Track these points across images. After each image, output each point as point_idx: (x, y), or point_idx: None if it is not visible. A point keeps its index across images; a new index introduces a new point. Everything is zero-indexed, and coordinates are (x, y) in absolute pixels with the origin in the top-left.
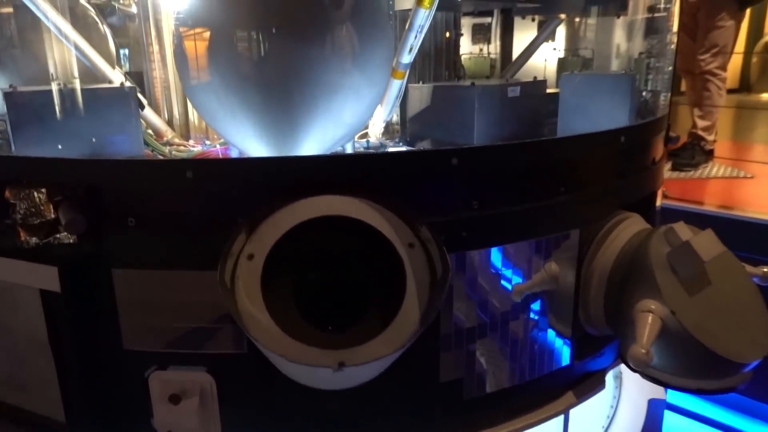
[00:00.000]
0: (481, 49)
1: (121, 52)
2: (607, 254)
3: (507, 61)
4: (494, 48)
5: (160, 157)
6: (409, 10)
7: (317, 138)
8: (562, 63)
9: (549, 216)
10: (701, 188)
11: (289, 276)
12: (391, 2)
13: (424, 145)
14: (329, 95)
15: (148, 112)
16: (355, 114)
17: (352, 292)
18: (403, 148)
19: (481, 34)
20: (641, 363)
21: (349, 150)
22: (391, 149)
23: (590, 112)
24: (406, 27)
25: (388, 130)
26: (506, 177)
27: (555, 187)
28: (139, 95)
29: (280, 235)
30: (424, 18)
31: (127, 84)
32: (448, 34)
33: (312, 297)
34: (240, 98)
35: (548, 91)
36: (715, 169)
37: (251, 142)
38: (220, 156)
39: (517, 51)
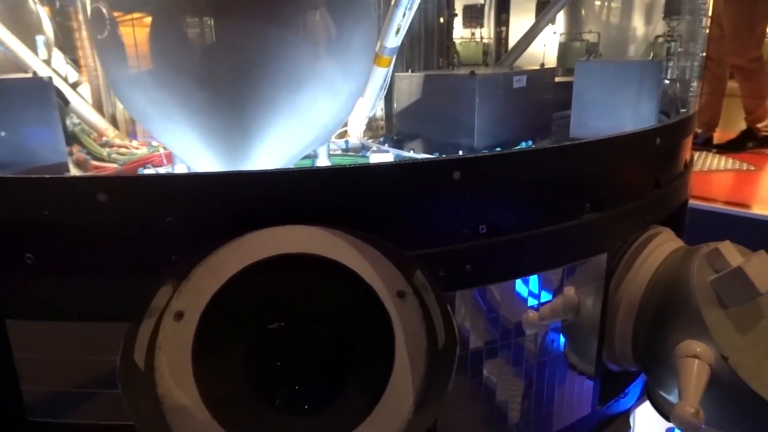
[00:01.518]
0: (473, 34)
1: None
2: (637, 279)
3: (501, 47)
4: (487, 32)
5: (93, 163)
6: None
7: (278, 145)
8: (564, 49)
9: (572, 240)
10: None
11: (234, 342)
12: None
13: (415, 145)
14: (293, 90)
15: (84, 107)
16: (329, 113)
17: (324, 362)
18: (388, 151)
19: (473, 16)
20: (691, 425)
21: (322, 155)
22: (374, 153)
23: (609, 106)
24: (392, 3)
25: (371, 126)
26: (521, 193)
27: (579, 204)
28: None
29: (223, 283)
30: None
31: (44, 73)
32: (441, 18)
33: (267, 371)
34: (176, 95)
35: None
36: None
37: (193, 150)
38: (164, 163)
39: (513, 35)
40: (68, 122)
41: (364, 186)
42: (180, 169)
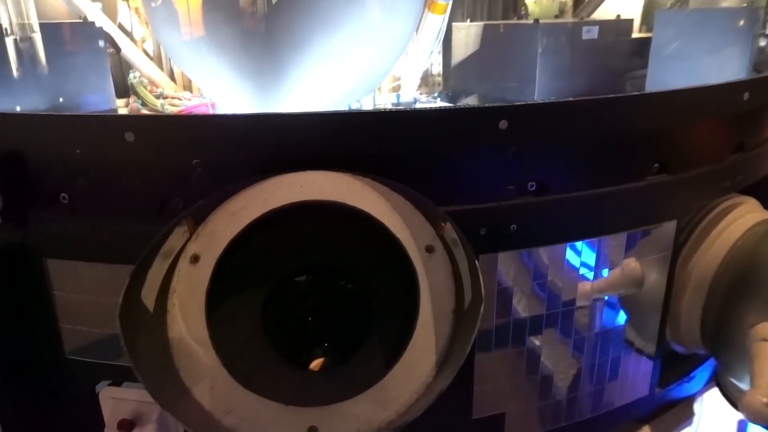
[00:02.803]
0: None
1: None
2: (710, 253)
3: (579, 4)
4: None
5: (144, 112)
6: None
7: (313, 90)
8: (649, 2)
9: (635, 204)
10: None
11: (251, 291)
12: None
13: (470, 101)
14: (329, 30)
15: (140, 58)
16: (369, 58)
17: (344, 317)
18: (438, 104)
19: None
20: (762, 416)
21: (366, 107)
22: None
23: (693, 60)
24: None
25: (427, 82)
26: (577, 149)
27: (647, 164)
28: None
29: (241, 229)
30: None
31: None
32: None
33: (284, 323)
34: (207, 30)
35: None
36: None
37: (224, 91)
38: (210, 112)
39: None
40: (130, 75)
41: (398, 132)
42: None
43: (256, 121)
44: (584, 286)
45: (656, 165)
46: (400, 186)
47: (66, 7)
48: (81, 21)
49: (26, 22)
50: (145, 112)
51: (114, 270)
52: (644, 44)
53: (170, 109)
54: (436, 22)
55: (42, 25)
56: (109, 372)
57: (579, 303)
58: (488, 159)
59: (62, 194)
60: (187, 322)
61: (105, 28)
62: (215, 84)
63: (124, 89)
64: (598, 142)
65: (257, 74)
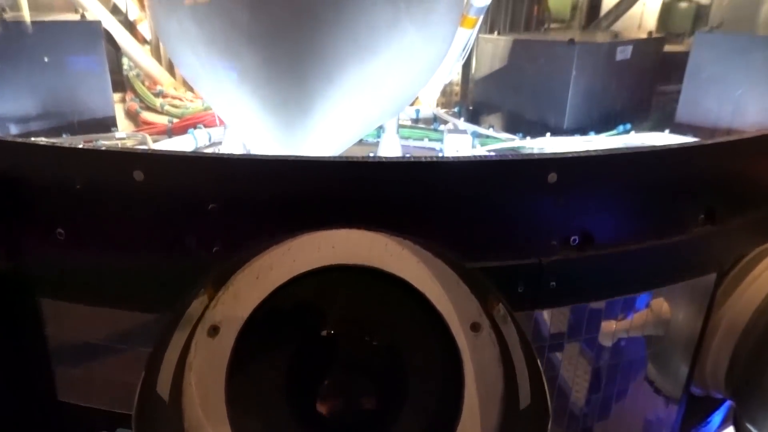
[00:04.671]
0: None
1: None
2: (745, 298)
3: (595, 1)
4: None
5: (143, 117)
6: None
7: (343, 121)
8: (667, 10)
9: (678, 257)
10: None
11: (276, 366)
12: None
13: (493, 121)
14: (365, 58)
15: (138, 52)
16: (403, 85)
17: (379, 398)
18: (465, 131)
19: None
20: None
21: (390, 129)
22: (449, 133)
23: (731, 86)
24: None
25: (445, 91)
26: (623, 200)
27: (693, 214)
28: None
29: (267, 294)
30: None
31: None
32: None
33: (311, 402)
34: (226, 55)
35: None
36: None
37: (246, 121)
38: (217, 123)
39: None
40: (125, 65)
41: (439, 183)
42: (231, 133)
43: (281, 165)
44: (608, 325)
45: (702, 216)
46: (443, 252)
47: None
48: (79, 19)
49: None
50: (144, 115)
51: (111, 312)
52: (677, 60)
53: (170, 110)
54: (463, 36)
55: (39, 23)
56: (104, 418)
57: (602, 342)
58: (533, 213)
59: (58, 229)
60: (205, 407)
61: (99, 16)
62: (234, 114)
63: (120, 82)
64: (646, 194)
65: (282, 106)
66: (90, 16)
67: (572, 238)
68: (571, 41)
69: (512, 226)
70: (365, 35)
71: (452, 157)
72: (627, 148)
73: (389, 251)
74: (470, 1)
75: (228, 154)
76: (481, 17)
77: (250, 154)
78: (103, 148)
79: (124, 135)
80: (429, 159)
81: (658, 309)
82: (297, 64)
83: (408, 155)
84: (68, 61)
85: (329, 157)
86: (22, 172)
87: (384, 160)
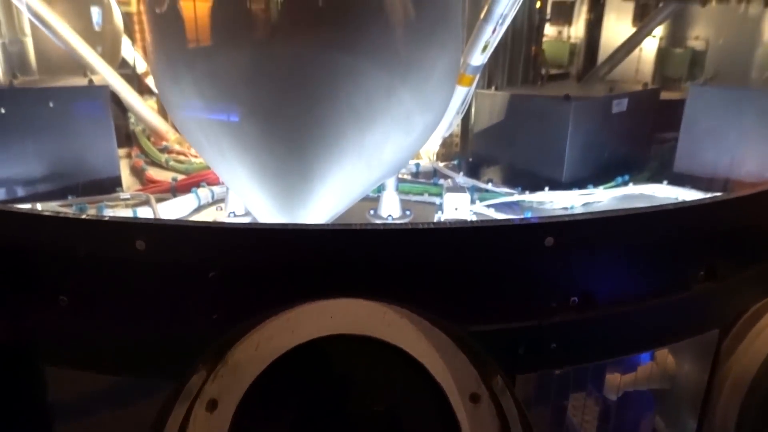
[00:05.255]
0: (560, 32)
1: None
2: (750, 353)
3: (592, 47)
4: (576, 30)
5: (149, 175)
6: None
7: (341, 187)
8: (663, 55)
9: (679, 315)
10: None
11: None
12: None
13: (492, 174)
14: (362, 127)
15: (145, 109)
16: (401, 150)
17: None
18: (465, 189)
19: (561, 13)
20: None
21: (390, 187)
22: (448, 192)
23: (727, 139)
24: (482, 18)
25: (445, 142)
26: (622, 261)
27: (693, 272)
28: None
29: (266, 366)
30: (508, 4)
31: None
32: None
33: None
34: (227, 127)
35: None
36: None
37: (246, 188)
38: (221, 181)
39: (606, 38)
40: (131, 120)
41: (436, 250)
42: (234, 196)
43: (279, 234)
44: (613, 378)
45: (702, 273)
46: (442, 322)
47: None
48: (87, 84)
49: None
50: (149, 172)
51: (114, 379)
52: (674, 107)
53: (175, 166)
54: (461, 93)
55: (46, 90)
56: None
57: (607, 396)
58: (531, 276)
59: (61, 296)
60: None
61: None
62: (235, 180)
63: (126, 137)
64: (644, 254)
65: (282, 174)
66: (97, 79)
67: (572, 299)
68: (567, 97)
69: (511, 289)
70: (363, 104)
71: (449, 223)
72: (622, 211)
73: (387, 320)
74: (467, 61)
75: (227, 224)
76: (478, 76)
77: (249, 223)
78: (106, 218)
79: (128, 196)
80: (426, 226)
81: (663, 362)
82: (296, 134)
83: (408, 212)
84: (75, 124)
85: (326, 225)
86: (26, 241)
87: (381, 227)
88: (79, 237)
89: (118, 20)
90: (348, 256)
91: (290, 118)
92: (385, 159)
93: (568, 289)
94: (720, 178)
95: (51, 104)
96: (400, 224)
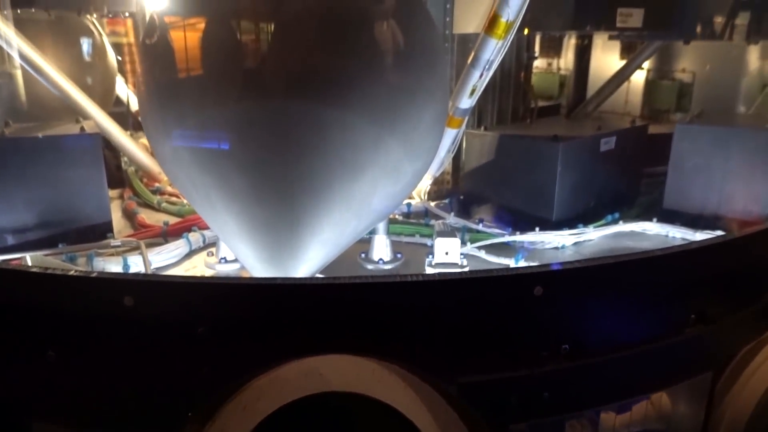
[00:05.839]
0: (549, 64)
1: None
2: (744, 395)
3: (581, 79)
4: (565, 62)
5: (140, 219)
6: (474, 35)
7: (329, 237)
8: (650, 87)
9: (672, 359)
10: None
11: None
12: (447, 30)
13: (483, 213)
14: (351, 177)
15: (136, 150)
16: (389, 198)
17: None
18: (455, 234)
19: (551, 46)
20: None
21: (380, 231)
22: (438, 237)
23: (714, 177)
24: (469, 62)
25: (435, 180)
26: (612, 308)
27: (683, 316)
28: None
29: (255, 425)
30: (495, 51)
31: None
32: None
33: None
34: (216, 178)
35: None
36: None
37: (235, 239)
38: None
39: (594, 69)
40: (124, 161)
41: (425, 302)
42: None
43: (267, 289)
44: (608, 418)
45: (693, 316)
46: (431, 378)
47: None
48: (79, 132)
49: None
50: (141, 215)
51: None
52: (663, 141)
53: (167, 208)
54: (451, 135)
55: (38, 139)
56: None
57: None
58: (521, 325)
59: (50, 352)
60: None
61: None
62: (225, 231)
63: (119, 178)
64: (634, 300)
65: (271, 225)
66: (89, 125)
67: (563, 347)
68: (555, 137)
69: (501, 340)
70: (350, 155)
71: (437, 275)
72: (610, 258)
73: (377, 377)
74: (455, 104)
75: (215, 279)
76: (467, 117)
77: (236, 278)
78: (94, 275)
79: (119, 243)
80: (414, 278)
81: (658, 403)
82: (284, 185)
83: (399, 255)
84: (67, 172)
85: (312, 279)
86: (14, 297)
87: (370, 281)
88: (67, 293)
89: (112, 60)
90: (335, 310)
91: (278, 170)
92: (374, 208)
93: (558, 337)
94: (709, 214)
95: (43, 154)
96: (388, 277)
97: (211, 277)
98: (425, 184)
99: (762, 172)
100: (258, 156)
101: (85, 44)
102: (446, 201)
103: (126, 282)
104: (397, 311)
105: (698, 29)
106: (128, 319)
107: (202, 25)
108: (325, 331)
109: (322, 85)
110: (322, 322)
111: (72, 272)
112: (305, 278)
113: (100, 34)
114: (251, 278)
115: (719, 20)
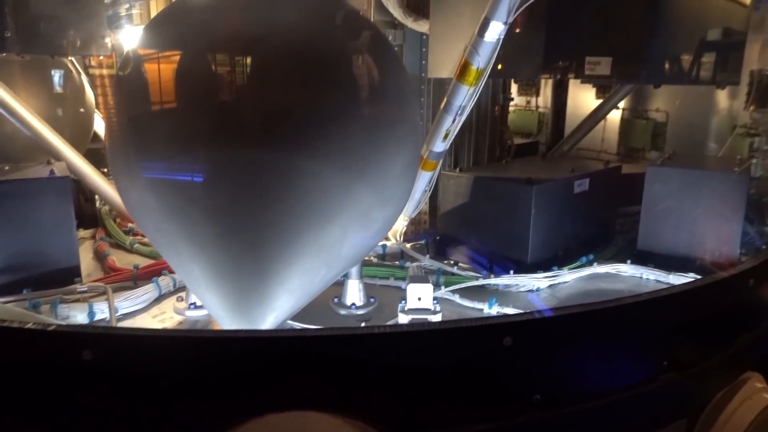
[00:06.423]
0: (528, 102)
1: None
2: None
3: (559, 116)
4: (543, 100)
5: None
6: (446, 80)
7: (299, 285)
8: (626, 125)
9: (645, 407)
10: None
11: None
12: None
13: (458, 255)
14: (320, 225)
15: (109, 190)
16: (360, 245)
17: None
18: (428, 280)
19: (528, 84)
20: None
21: (353, 275)
22: (411, 284)
23: (685, 219)
24: (442, 108)
25: (413, 220)
26: (584, 356)
27: (655, 363)
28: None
29: None
30: (466, 97)
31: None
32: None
33: None
34: (181, 226)
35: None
36: None
37: (202, 287)
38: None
39: (571, 107)
40: (97, 201)
41: (393, 354)
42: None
43: (230, 342)
44: None
45: (666, 362)
46: None
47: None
48: (48, 176)
49: None
50: (113, 257)
51: None
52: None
53: (140, 249)
54: (425, 177)
55: (5, 183)
56: None
57: None
58: (491, 376)
59: (4, 407)
60: None
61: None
62: (188, 277)
63: (92, 217)
64: (605, 349)
65: (237, 273)
66: (59, 167)
67: (534, 397)
68: (529, 180)
69: (471, 391)
70: (320, 203)
71: (407, 326)
72: (579, 307)
73: None
74: (429, 148)
75: (175, 331)
76: (441, 160)
77: (198, 330)
78: (51, 328)
79: (85, 288)
80: (383, 330)
81: None
82: (252, 233)
83: (372, 299)
84: (35, 216)
85: (277, 332)
86: None
87: (334, 333)
88: (23, 346)
89: (90, 97)
90: (296, 364)
91: (245, 218)
92: (344, 255)
93: (530, 387)
94: (682, 255)
95: (10, 198)
96: (354, 329)
97: (172, 330)
98: (401, 225)
99: (731, 214)
100: (226, 203)
101: (61, 82)
102: (423, 242)
103: (85, 335)
104: (363, 364)
105: (666, 72)
106: (87, 373)
107: (172, 71)
108: (288, 387)
109: (292, 132)
110: (284, 378)
111: (30, 325)
112: (267, 330)
113: (79, 73)
114: (212, 331)
115: (686, 64)
